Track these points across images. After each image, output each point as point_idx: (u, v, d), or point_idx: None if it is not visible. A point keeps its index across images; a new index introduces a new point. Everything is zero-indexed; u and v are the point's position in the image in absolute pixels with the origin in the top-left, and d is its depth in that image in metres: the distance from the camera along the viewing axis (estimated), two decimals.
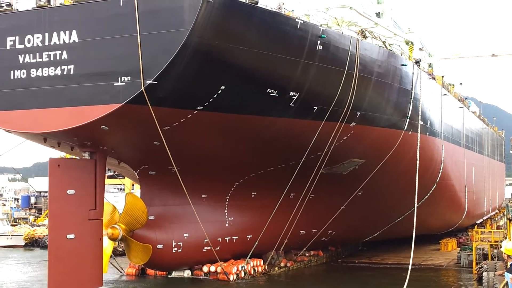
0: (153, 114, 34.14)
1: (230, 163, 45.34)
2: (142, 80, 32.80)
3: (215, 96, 35.96)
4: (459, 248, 64.43)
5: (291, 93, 39.48)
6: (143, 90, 32.86)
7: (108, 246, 40.71)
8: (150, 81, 32.78)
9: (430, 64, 74.64)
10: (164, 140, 36.15)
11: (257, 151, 44.17)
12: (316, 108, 41.94)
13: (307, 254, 58.23)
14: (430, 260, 60.94)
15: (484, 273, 41.02)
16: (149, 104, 33.52)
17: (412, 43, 64.63)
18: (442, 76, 69.71)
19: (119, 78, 33.26)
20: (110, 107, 33.44)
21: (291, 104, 40.06)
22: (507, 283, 31.23)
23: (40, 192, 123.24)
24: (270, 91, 38.24)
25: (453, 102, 74.91)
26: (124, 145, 39.47)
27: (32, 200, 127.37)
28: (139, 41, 32.77)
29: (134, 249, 40.99)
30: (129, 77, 33.06)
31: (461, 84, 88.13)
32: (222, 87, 35.76)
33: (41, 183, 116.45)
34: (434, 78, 62.91)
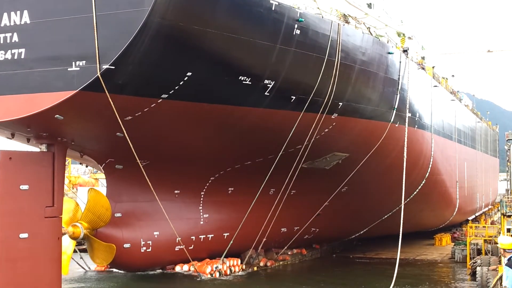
0: (112, 103, 31.18)
1: (204, 157, 42.52)
2: (98, 64, 29.80)
3: (181, 83, 33.03)
4: (453, 243, 65.01)
5: (266, 81, 36.58)
6: (99, 75, 29.86)
7: (69, 245, 37.81)
8: (107, 66, 29.80)
9: (423, 57, 71.79)
10: (125, 132, 33.18)
11: (232, 144, 41.34)
12: (294, 97, 39.06)
13: (289, 253, 55.59)
14: (424, 255, 60.82)
15: (478, 268, 40.53)
16: (106, 92, 30.55)
17: (404, 34, 61.79)
18: (433, 67, 66.94)
19: (73, 63, 30.24)
20: (63, 94, 30.43)
21: (266, 93, 37.17)
22: (500, 277, 30.15)
23: None
24: (242, 79, 35.32)
25: (444, 94, 72.13)
26: (84, 136, 36.51)
27: None
28: (94, 22, 29.77)
29: (97, 249, 38.13)
30: (84, 62, 30.05)
31: (453, 76, 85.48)
32: (189, 74, 32.83)
33: None
34: (424, 69, 60.05)
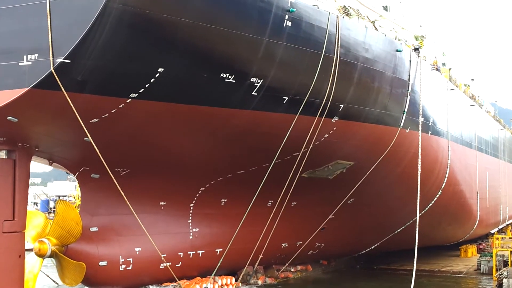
0: (71, 103, 27.32)
1: (190, 165, 38.50)
2: (51, 58, 26.08)
3: (152, 81, 29.10)
4: (479, 255, 64.24)
5: (253, 79, 32.47)
6: (53, 70, 26.13)
7: (35, 264, 33.88)
8: (61, 60, 26.08)
9: (444, 63, 67.22)
10: (90, 136, 29.31)
11: (219, 151, 37.28)
12: (287, 98, 34.93)
13: (292, 270, 51.13)
14: (449, 266, 60.10)
15: (505, 280, 40.36)
16: (63, 89, 26.73)
17: (422, 38, 57.45)
18: (449, 69, 62.12)
19: (24, 57, 26.66)
20: (14, 92, 26.75)
21: (253, 93, 33.08)
22: None
23: (59, 196, 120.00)
24: (224, 76, 31.26)
25: (463, 98, 67.33)
26: (49, 142, 32.65)
27: (51, 204, 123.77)
28: (48, 9, 26.15)
29: (66, 268, 34.14)
30: (36, 55, 26.42)
31: (472, 80, 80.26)
32: (160, 70, 28.90)
33: (60, 187, 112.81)
34: (438, 70, 55.42)
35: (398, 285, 47.62)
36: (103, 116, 29.84)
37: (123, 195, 32.98)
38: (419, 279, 46.39)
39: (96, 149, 30.08)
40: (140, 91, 29.26)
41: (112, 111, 29.67)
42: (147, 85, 29.12)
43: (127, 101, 29.44)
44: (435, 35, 70.21)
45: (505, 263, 49.48)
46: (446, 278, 53.22)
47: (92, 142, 29.55)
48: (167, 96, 30.65)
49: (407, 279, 43.87)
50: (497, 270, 49.00)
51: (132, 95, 29.28)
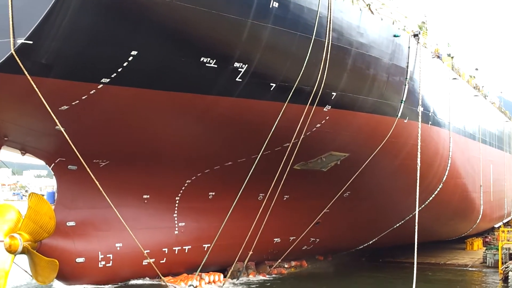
0: (36, 87, 25.25)
1: (174, 156, 36.47)
2: (11, 39, 23.98)
3: (125, 65, 26.97)
4: (484, 248, 63.84)
5: (237, 64, 30.26)
6: (13, 52, 24.03)
7: (6, 260, 31.77)
8: (23, 40, 23.96)
9: (450, 54, 64.66)
10: (59, 124, 27.24)
11: (204, 141, 35.21)
12: (275, 85, 32.72)
13: (286, 266, 49.07)
14: (455, 259, 59.96)
15: (510, 273, 39.94)
16: (26, 73, 24.65)
17: (426, 28, 55.00)
18: (452, 57, 59.67)
19: None
20: None
21: (238, 79, 30.88)
22: None
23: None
24: (205, 61, 29.06)
25: (466, 88, 64.97)
26: (18, 131, 30.61)
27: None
28: None
29: (38, 265, 32.02)
30: None
31: (476, 69, 77.71)
32: (134, 53, 26.75)
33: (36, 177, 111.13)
34: (440, 58, 53.02)
35: (402, 276, 46.25)
36: (73, 103, 27.78)
37: (100, 187, 30.87)
38: (424, 271, 48.33)
39: (68, 138, 28.02)
40: (113, 76, 27.15)
41: (83, 97, 27.58)
42: (119, 70, 27.00)
43: (99, 87, 27.34)
44: (440, 25, 67.84)
45: (511, 256, 49.52)
46: (451, 271, 53.12)
47: (63, 131, 27.50)
48: (143, 82, 28.56)
49: (412, 272, 42.55)
50: (503, 263, 48.87)
51: (104, 80, 27.17)
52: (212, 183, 40.31)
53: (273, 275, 46.89)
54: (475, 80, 74.63)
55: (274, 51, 31.69)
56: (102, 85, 27.27)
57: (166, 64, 28.23)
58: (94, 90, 27.35)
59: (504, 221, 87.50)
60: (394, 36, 40.43)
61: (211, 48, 29.06)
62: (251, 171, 36.16)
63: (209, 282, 40.50)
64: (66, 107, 27.73)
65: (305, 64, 32.95)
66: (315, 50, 33.20)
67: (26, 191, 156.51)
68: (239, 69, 30.45)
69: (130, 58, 26.76)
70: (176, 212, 40.17)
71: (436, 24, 64.67)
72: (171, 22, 27.20)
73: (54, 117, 26.86)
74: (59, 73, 25.94)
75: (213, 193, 41.23)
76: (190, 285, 38.26)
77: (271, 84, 32.54)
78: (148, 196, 38.62)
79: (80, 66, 26.16)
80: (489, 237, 75.37)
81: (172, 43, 27.76)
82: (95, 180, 30.68)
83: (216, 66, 29.46)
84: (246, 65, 30.59)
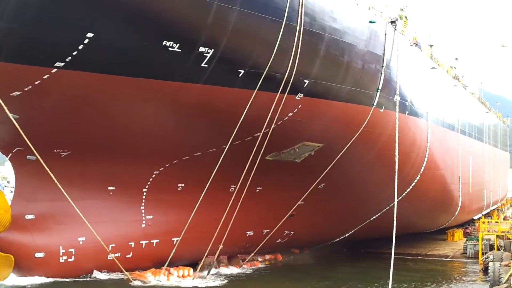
0: None
1: (139, 146, 34.89)
2: None
3: (81, 48, 25.29)
4: (465, 239, 64.28)
5: (202, 49, 28.71)
6: None
7: None
8: None
9: (432, 46, 63.41)
10: (7, 110, 25.57)
11: (170, 130, 33.64)
12: (243, 71, 31.20)
13: (260, 259, 47.60)
14: (436, 250, 60.20)
15: (490, 263, 40.00)
16: None
17: (406, 17, 53.60)
18: (431, 46, 58.46)
19: None
20: None
21: (203, 65, 29.30)
22: None
23: None
24: (168, 45, 27.46)
25: (445, 78, 63.89)
26: None
27: None
28: None
29: None
30: None
31: (456, 59, 76.64)
32: (90, 35, 25.07)
33: None
34: (418, 46, 51.77)
35: (383, 267, 43.96)
36: (26, 89, 26.11)
37: (54, 178, 29.37)
38: (406, 262, 50.26)
39: (18, 126, 26.44)
40: (67, 60, 25.51)
41: (36, 82, 25.95)
42: (75, 53, 25.36)
43: (53, 71, 25.69)
44: (420, 14, 66.53)
45: (491, 247, 49.66)
46: (432, 262, 53.32)
47: (11, 117, 25.82)
48: (101, 66, 26.98)
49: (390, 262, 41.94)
50: (483, 254, 49.22)
51: (58, 64, 25.53)
52: (181, 175, 38.80)
53: (246, 268, 45.48)
54: (454, 71, 73.60)
55: (242, 36, 30.17)
56: (56, 69, 25.61)
57: (125, 47, 26.60)
58: (48, 75, 25.73)
59: (484, 212, 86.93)
60: (370, 22, 39.07)
61: (174, 31, 27.49)
62: (219, 162, 34.75)
63: (178, 277, 38.98)
64: (18, 92, 26.10)
65: (275, 50, 31.46)
66: (286, 35, 31.71)
67: (8, 182, 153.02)
68: (205, 54, 28.93)
69: (86, 41, 25.14)
70: (143, 204, 38.65)
71: (417, 13, 63.16)
72: (130, 1, 25.56)
73: (2, 103, 25.16)
74: (7, 56, 24.35)
75: (183, 185, 39.72)
76: (158, 280, 36.74)
77: (239, 70, 31.04)
78: (114, 188, 37.08)
79: (30, 48, 24.48)
80: (470, 228, 75.61)
81: (131, 25, 26.16)
82: (48, 170, 29.40)
83: (179, 50, 27.89)
84: (212, 50, 29.06)
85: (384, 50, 41.06)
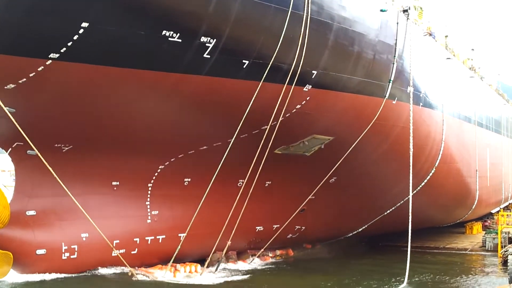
0: None
1: (144, 139, 33.98)
2: None
3: (76, 38, 24.38)
4: (484, 232, 63.68)
5: (204, 39, 27.68)
6: None
7: None
8: None
9: (447, 36, 61.83)
10: (2, 105, 24.76)
11: (174, 123, 32.71)
12: (248, 62, 30.13)
13: (270, 254, 46.59)
14: (454, 243, 59.73)
15: (510, 257, 39.13)
16: None
17: (421, 8, 52.22)
18: (446, 36, 56.89)
19: None
20: None
21: (205, 55, 28.27)
22: None
23: None
24: (168, 35, 26.47)
25: (461, 69, 62.27)
26: None
27: None
28: None
29: None
30: None
31: (473, 50, 74.81)
32: (85, 25, 24.15)
33: None
34: (432, 36, 50.31)
35: (401, 259, 42.79)
36: (20, 81, 25.26)
37: (54, 173, 28.61)
38: (424, 255, 50.32)
39: (13, 119, 25.60)
40: (62, 51, 24.61)
41: (31, 74, 25.07)
42: (70, 44, 24.45)
43: (47, 63, 24.81)
44: (436, 4, 64.92)
45: (510, 240, 49.51)
46: (451, 255, 53.08)
47: (6, 110, 25.01)
48: (99, 58, 26.06)
49: (411, 255, 40.50)
50: (502, 247, 48.83)
51: (53, 55, 24.64)
52: (187, 169, 37.88)
53: (260, 262, 44.48)
54: (471, 62, 71.85)
55: (246, 25, 29.10)
56: (51, 61, 24.73)
57: (123, 38, 25.65)
58: (43, 67, 24.86)
59: (502, 206, 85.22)
60: (381, 10, 37.77)
61: (174, 21, 26.49)
62: (225, 155, 33.74)
63: (185, 273, 38.10)
64: (12, 85, 25.25)
65: (281, 40, 30.35)
66: (292, 25, 30.58)
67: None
68: (207, 44, 27.89)
69: (81, 31, 24.22)
70: (148, 199, 37.75)
71: (431, 3, 61.45)
72: None
73: None
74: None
75: (189, 180, 38.78)
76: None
77: (243, 61, 29.97)
78: (118, 183, 36.19)
79: (22, 39, 23.62)
80: (489, 221, 74.84)
81: (129, 14, 25.19)
82: (47, 165, 28.38)
83: (180, 40, 26.88)
84: (215, 40, 28.02)
85: (396, 40, 39.74)
